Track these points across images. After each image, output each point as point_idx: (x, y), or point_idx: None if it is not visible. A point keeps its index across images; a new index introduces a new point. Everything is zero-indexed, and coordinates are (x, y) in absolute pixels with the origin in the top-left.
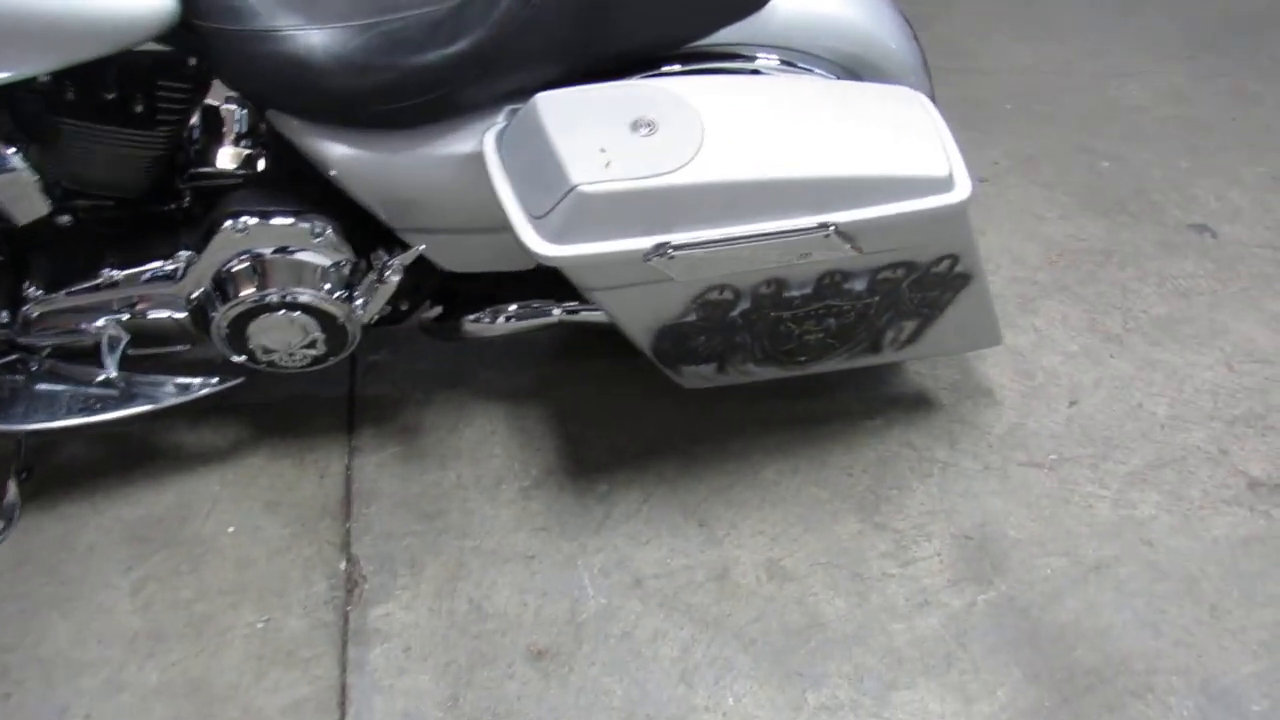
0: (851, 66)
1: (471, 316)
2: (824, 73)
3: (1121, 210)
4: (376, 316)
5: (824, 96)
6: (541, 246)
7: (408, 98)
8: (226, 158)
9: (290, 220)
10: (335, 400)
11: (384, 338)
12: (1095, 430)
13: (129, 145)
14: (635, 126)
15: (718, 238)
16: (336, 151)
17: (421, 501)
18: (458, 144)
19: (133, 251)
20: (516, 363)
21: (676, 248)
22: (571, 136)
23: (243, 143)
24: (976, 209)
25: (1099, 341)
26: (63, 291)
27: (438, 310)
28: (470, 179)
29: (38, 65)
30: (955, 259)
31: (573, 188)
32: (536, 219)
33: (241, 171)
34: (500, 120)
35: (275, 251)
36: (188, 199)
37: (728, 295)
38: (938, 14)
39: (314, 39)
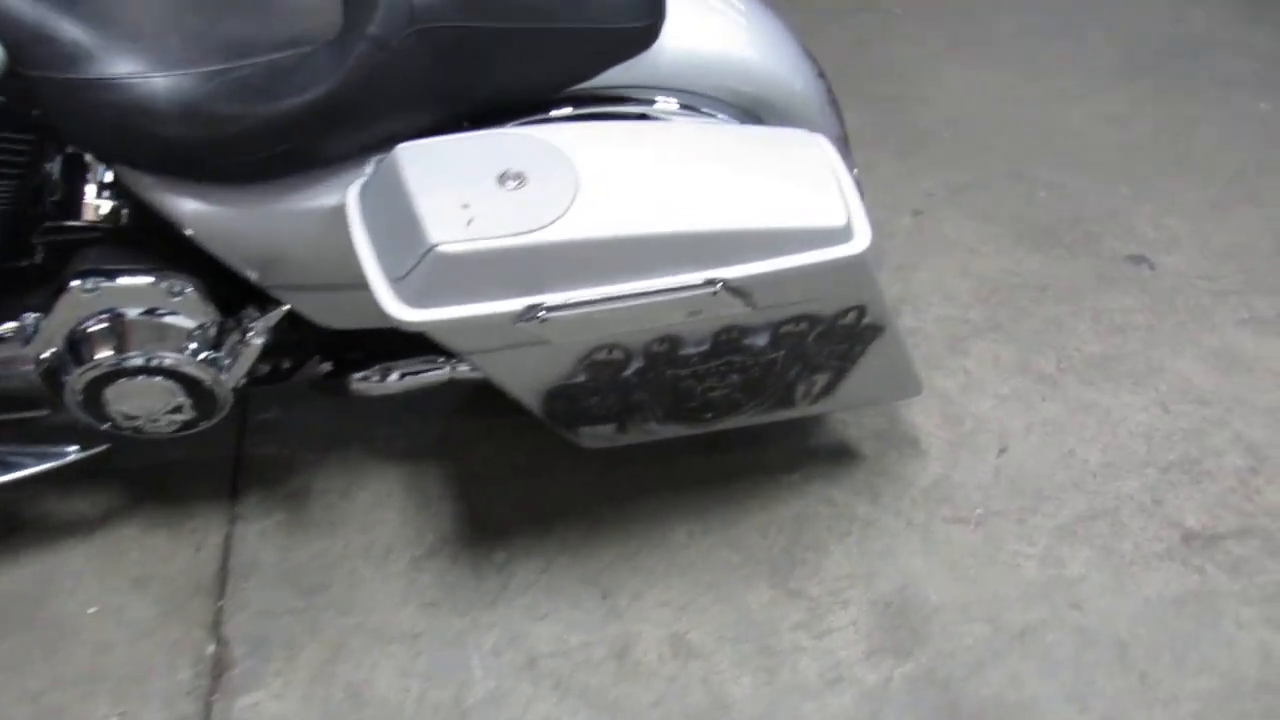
0: (751, 108)
1: (359, 375)
2: (725, 116)
3: (1058, 242)
4: (245, 379)
5: (712, 142)
6: (400, 311)
7: (259, 149)
8: (86, 210)
9: (145, 279)
10: (220, 463)
11: (275, 394)
12: (1025, 480)
13: None
14: (503, 179)
15: (595, 298)
16: (189, 208)
17: (304, 574)
18: (321, 197)
19: None
20: (419, 419)
21: (549, 310)
22: (432, 191)
23: (105, 194)
24: (908, 243)
25: (1031, 383)
26: None
27: (327, 367)
28: (337, 233)
29: None
30: (862, 310)
31: (431, 248)
32: (396, 280)
33: (100, 225)
34: (368, 171)
35: (133, 312)
36: (40, 255)
37: (617, 355)
38: (872, 39)
39: (156, 87)
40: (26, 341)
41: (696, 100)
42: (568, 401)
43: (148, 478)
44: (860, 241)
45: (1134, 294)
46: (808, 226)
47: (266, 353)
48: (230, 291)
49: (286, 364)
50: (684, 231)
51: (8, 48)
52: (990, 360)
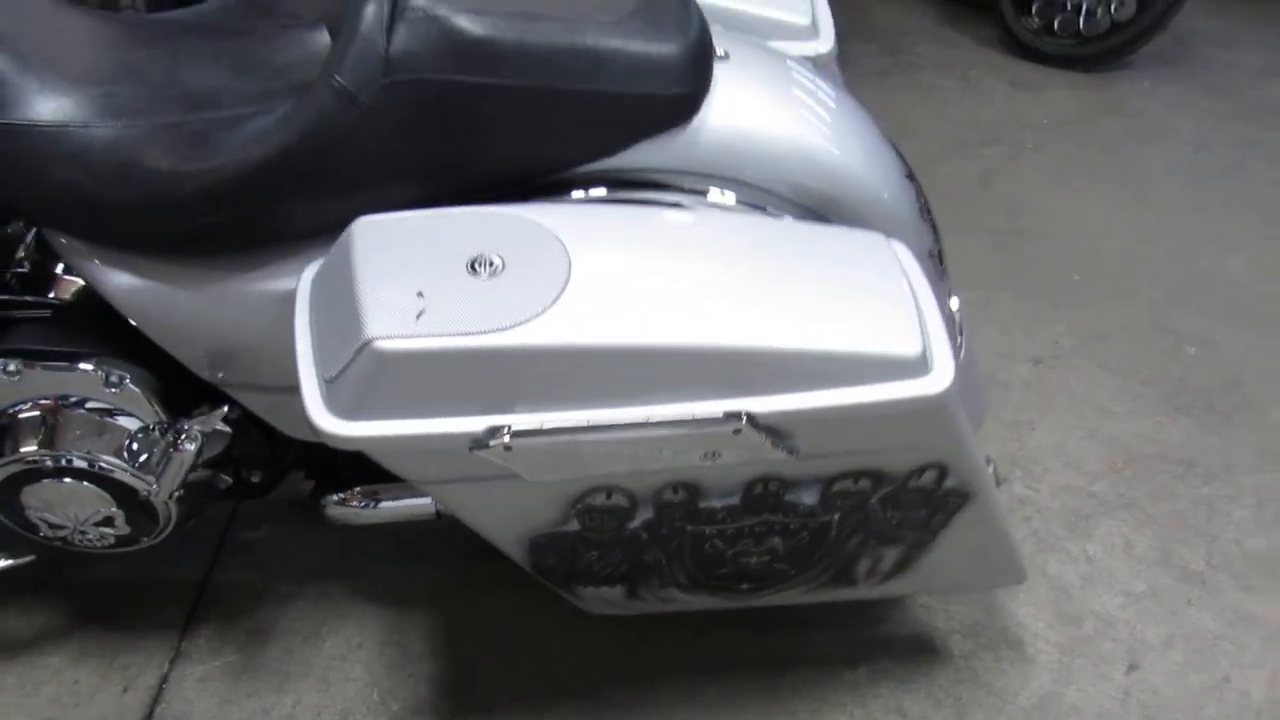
0: (820, 209)
1: (335, 497)
2: (790, 217)
3: (1210, 408)
4: (178, 491)
5: (751, 237)
6: (327, 420)
7: (201, 215)
8: (38, 285)
9: (76, 365)
10: (186, 586)
11: (267, 511)
12: (1162, 711)
13: None
14: (474, 266)
15: (576, 426)
16: (122, 283)
17: None
18: (277, 279)
19: None
20: (427, 558)
21: (515, 436)
22: (383, 274)
23: (60, 269)
24: (1026, 396)
25: (1174, 581)
26: None
27: (310, 486)
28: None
29: None
30: (942, 470)
31: (366, 343)
32: (328, 382)
33: (50, 303)
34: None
35: (64, 403)
36: None
37: (619, 501)
38: (999, 171)
39: (91, 138)
40: None
41: (756, 195)
42: (559, 555)
43: (100, 596)
44: (939, 379)
45: None
46: (867, 353)
47: (229, 463)
48: (191, 390)
49: (255, 478)
50: (699, 347)
51: None
52: (1120, 546)
